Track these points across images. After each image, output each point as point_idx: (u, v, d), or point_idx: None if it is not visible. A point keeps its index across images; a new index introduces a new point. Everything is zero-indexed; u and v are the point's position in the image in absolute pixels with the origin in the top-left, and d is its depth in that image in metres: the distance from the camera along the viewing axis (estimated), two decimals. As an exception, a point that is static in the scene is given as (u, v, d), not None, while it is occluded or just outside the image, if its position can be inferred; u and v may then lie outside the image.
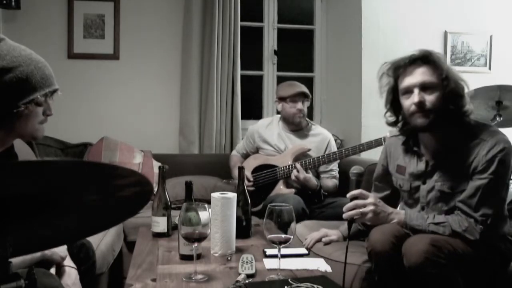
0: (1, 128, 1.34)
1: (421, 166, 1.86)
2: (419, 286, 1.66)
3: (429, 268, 1.60)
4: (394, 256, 1.72)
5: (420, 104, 1.73)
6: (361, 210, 1.76)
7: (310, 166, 2.82)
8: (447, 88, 1.71)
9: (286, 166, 2.88)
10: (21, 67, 1.31)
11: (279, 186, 2.91)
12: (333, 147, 3.00)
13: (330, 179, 2.95)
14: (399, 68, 1.78)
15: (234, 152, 3.29)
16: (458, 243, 1.68)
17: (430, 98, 1.73)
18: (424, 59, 1.75)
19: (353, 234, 2.13)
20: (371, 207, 1.76)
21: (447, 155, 1.79)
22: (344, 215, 1.80)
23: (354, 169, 1.89)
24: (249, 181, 2.95)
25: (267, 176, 2.96)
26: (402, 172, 1.93)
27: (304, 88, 2.95)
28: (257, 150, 3.11)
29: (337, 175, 2.99)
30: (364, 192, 1.81)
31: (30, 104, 1.33)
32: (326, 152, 2.94)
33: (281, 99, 2.98)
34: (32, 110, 1.35)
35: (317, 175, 2.96)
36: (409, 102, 1.76)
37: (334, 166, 2.98)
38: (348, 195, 1.82)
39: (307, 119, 3.07)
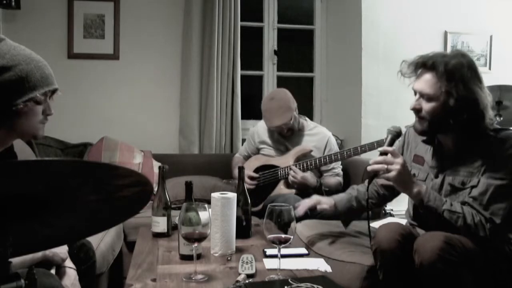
0: (1, 126, 1.34)
1: (436, 160, 1.86)
2: (426, 284, 1.66)
3: (441, 265, 1.60)
4: (400, 254, 1.72)
5: (415, 110, 1.78)
6: (387, 166, 1.73)
7: (311, 167, 2.82)
8: (450, 101, 1.69)
9: (287, 167, 2.88)
10: (21, 66, 1.32)
11: (280, 186, 2.91)
12: (333, 145, 3.00)
13: (333, 177, 2.95)
14: (417, 66, 1.77)
15: (236, 155, 3.31)
16: (469, 243, 1.67)
17: (426, 107, 1.74)
18: (434, 66, 1.71)
19: (346, 210, 2.12)
20: (397, 166, 1.72)
21: (461, 153, 1.78)
22: (369, 167, 1.77)
23: (393, 127, 1.87)
24: (253, 178, 2.95)
25: (268, 176, 2.97)
26: (420, 162, 1.91)
27: (276, 119, 2.85)
28: (258, 151, 3.12)
29: (341, 172, 2.99)
30: (396, 151, 1.77)
31: (30, 102, 1.33)
32: (326, 150, 2.95)
33: None
34: (32, 109, 1.35)
35: (320, 174, 2.97)
36: (411, 104, 1.79)
37: (336, 164, 2.97)
38: (380, 149, 1.78)
39: (303, 119, 3.04)
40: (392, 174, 1.72)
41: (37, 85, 1.34)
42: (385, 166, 1.73)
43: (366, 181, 1.86)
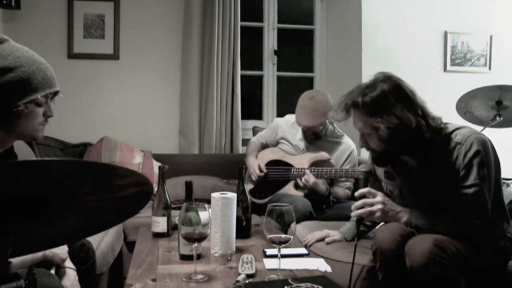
0: (1, 127, 1.35)
1: (405, 178, 1.86)
2: (422, 286, 1.66)
3: (431, 268, 1.60)
4: (399, 255, 1.72)
5: (366, 148, 1.81)
6: (369, 209, 1.73)
7: (325, 176, 2.77)
8: (382, 134, 1.69)
9: (301, 169, 2.84)
10: (23, 67, 1.32)
11: (289, 186, 2.88)
12: (354, 159, 2.94)
13: (343, 189, 2.90)
14: (347, 108, 1.79)
15: (253, 139, 3.22)
16: (461, 244, 1.67)
17: (371, 143, 1.77)
18: (355, 105, 1.74)
19: (354, 235, 2.13)
20: (379, 206, 1.73)
21: (427, 166, 1.78)
22: (353, 214, 1.78)
23: (362, 167, 1.87)
24: (261, 171, 2.92)
25: (280, 172, 2.93)
26: (392, 178, 1.91)
27: (306, 119, 2.81)
28: (277, 144, 3.07)
29: (352, 186, 2.94)
30: (372, 190, 1.78)
31: (30, 104, 1.33)
32: (346, 163, 2.90)
33: None
34: (32, 110, 1.35)
35: (331, 181, 2.91)
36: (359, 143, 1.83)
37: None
38: (356, 193, 1.79)
39: (332, 126, 2.98)
40: (377, 215, 1.74)
41: (38, 87, 1.35)
42: (368, 210, 1.74)
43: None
